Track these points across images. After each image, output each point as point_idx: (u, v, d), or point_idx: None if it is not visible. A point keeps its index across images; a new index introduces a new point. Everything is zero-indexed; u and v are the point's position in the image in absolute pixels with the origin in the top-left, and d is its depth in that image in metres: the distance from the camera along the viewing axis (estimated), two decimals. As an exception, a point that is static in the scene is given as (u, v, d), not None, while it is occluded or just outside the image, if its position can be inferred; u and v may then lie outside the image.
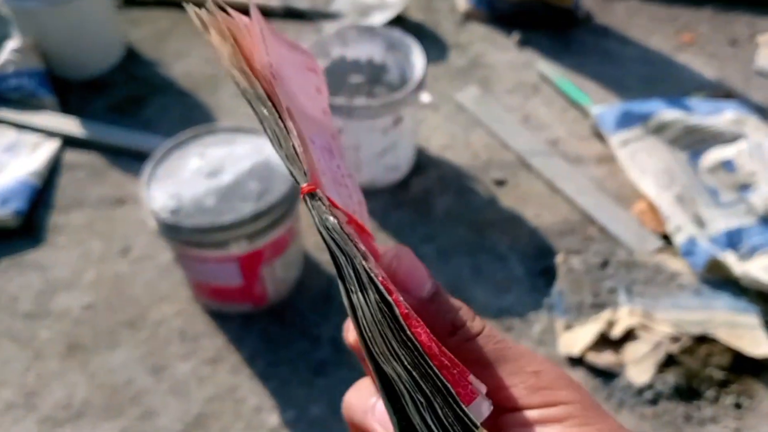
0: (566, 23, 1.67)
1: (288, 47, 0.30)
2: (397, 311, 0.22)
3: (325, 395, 1.01)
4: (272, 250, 1.03)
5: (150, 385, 1.03)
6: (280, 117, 0.25)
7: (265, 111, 0.26)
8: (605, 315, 1.07)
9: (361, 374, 0.30)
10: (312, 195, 0.25)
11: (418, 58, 1.21)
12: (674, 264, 1.15)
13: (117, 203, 1.30)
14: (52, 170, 1.36)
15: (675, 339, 1.03)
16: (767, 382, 1.02)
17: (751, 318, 1.06)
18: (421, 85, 1.18)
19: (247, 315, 1.11)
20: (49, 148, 1.39)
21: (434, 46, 1.63)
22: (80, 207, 1.30)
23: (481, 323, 0.27)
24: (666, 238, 1.19)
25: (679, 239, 1.16)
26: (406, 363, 0.22)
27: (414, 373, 0.22)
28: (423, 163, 1.36)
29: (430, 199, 1.30)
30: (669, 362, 1.03)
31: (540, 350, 1.07)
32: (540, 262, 1.19)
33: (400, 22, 1.67)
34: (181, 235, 0.95)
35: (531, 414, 0.24)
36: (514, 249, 1.21)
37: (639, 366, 1.02)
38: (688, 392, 1.01)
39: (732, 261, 1.11)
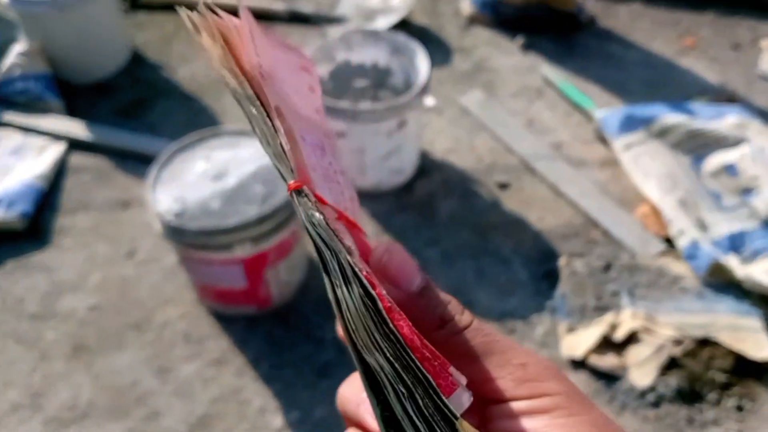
0: (570, 27, 1.68)
1: (281, 47, 0.30)
2: (380, 305, 0.23)
3: (329, 397, 1.02)
4: (276, 253, 1.04)
5: (155, 386, 1.04)
6: (268, 116, 0.26)
7: (253, 110, 0.26)
8: (608, 318, 1.08)
9: None
10: (299, 192, 0.25)
11: (422, 62, 1.21)
12: (677, 267, 1.15)
13: (122, 206, 1.31)
14: (58, 173, 1.37)
15: (677, 342, 1.04)
16: (770, 386, 1.02)
17: (753, 321, 1.06)
18: (425, 89, 1.18)
19: (252, 317, 1.12)
20: (55, 151, 1.40)
21: (438, 50, 1.63)
22: (86, 210, 1.31)
23: (470, 317, 0.27)
24: (669, 242, 1.20)
25: (681, 243, 1.16)
26: (388, 355, 0.22)
27: (396, 365, 0.22)
28: (427, 166, 1.37)
29: (434, 203, 1.30)
30: (671, 365, 1.03)
31: (543, 353, 1.07)
32: (543, 265, 1.19)
33: (404, 26, 1.67)
34: (186, 237, 0.96)
35: (518, 405, 0.25)
36: (517, 252, 1.21)
37: (641, 369, 1.03)
38: (690, 395, 1.01)
39: (734, 264, 1.11)
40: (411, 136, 1.24)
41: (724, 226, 1.18)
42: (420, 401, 0.22)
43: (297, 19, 1.73)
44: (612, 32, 1.69)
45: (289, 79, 0.30)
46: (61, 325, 1.13)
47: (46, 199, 1.32)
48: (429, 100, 1.21)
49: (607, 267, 1.16)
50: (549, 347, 1.08)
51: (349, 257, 0.24)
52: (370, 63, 1.32)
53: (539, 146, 1.40)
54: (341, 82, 1.33)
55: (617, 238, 1.21)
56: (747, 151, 1.26)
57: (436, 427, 0.22)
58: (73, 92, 1.54)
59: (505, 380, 0.25)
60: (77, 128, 1.44)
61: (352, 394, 0.28)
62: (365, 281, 0.23)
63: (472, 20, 1.72)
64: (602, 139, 1.41)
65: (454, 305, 0.27)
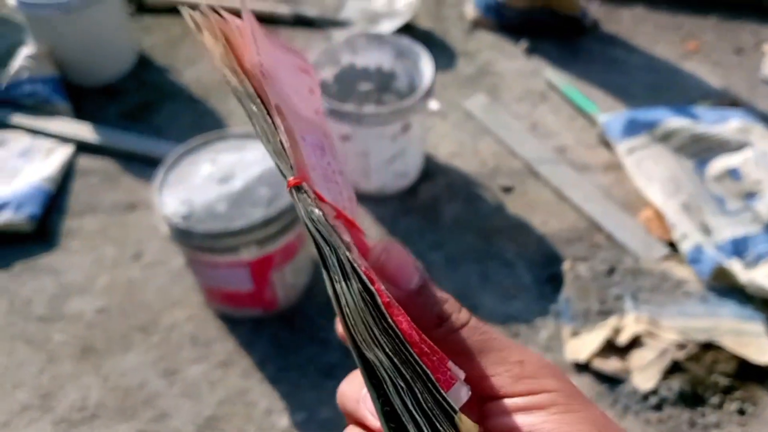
0: (573, 31, 1.69)
1: (281, 49, 0.31)
2: (379, 300, 0.23)
3: (335, 398, 1.02)
4: (282, 256, 1.05)
5: (162, 388, 1.05)
6: (268, 113, 0.26)
7: (254, 108, 0.27)
8: (612, 322, 1.08)
9: None
10: (298, 188, 0.25)
11: (426, 66, 1.22)
12: (680, 271, 1.16)
13: (129, 209, 1.32)
14: (66, 176, 1.39)
15: (681, 346, 1.04)
16: (772, 390, 1.02)
17: (756, 326, 1.06)
18: (429, 93, 1.19)
19: (258, 320, 1.13)
20: (62, 153, 1.41)
21: (443, 54, 1.64)
22: (93, 212, 1.32)
23: (467, 315, 0.27)
24: (672, 246, 1.20)
25: (685, 247, 1.17)
26: (387, 350, 0.23)
27: (395, 360, 0.22)
28: (431, 170, 1.38)
29: (438, 206, 1.31)
30: (674, 369, 1.04)
31: (547, 356, 1.08)
32: (547, 269, 1.20)
33: (408, 29, 1.68)
34: (193, 240, 0.97)
35: (515, 402, 0.25)
36: (521, 256, 1.22)
37: (644, 372, 1.03)
38: (692, 398, 1.02)
39: (738, 269, 1.12)
40: (415, 140, 1.25)
41: (727, 230, 1.19)
42: (419, 396, 0.22)
43: (302, 22, 1.74)
44: (615, 36, 1.70)
45: (289, 80, 0.30)
46: (69, 327, 1.14)
47: (54, 202, 1.33)
48: (433, 104, 1.22)
49: (611, 271, 1.17)
50: (553, 351, 1.08)
51: (348, 253, 0.24)
52: (374, 66, 1.33)
53: (543, 150, 1.41)
54: (346, 85, 1.34)
55: (621, 242, 1.22)
56: (750, 155, 1.27)
57: (435, 421, 0.22)
58: (80, 95, 1.56)
59: (502, 377, 0.25)
60: (84, 131, 1.45)
61: (352, 391, 0.29)
62: (364, 277, 0.23)
63: (476, 24, 1.73)
64: (606, 143, 1.41)
65: (451, 303, 0.27)
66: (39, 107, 1.48)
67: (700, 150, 1.32)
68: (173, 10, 1.81)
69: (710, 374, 1.03)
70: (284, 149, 0.26)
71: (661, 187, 1.26)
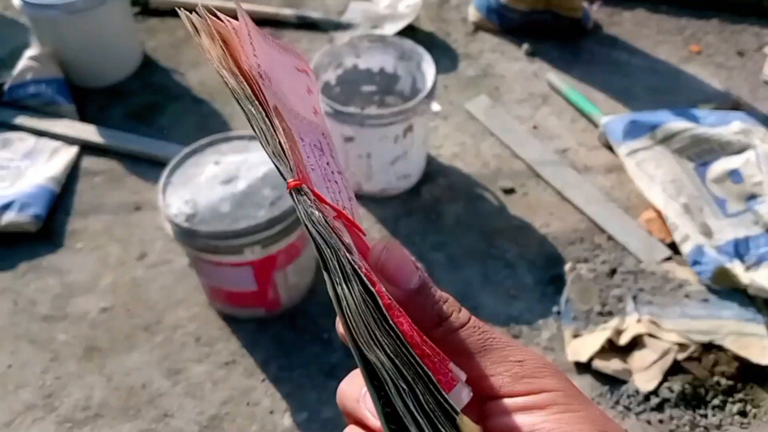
0: (575, 34, 1.69)
1: (279, 50, 0.31)
2: (380, 302, 0.23)
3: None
4: (285, 256, 1.05)
5: (166, 387, 1.06)
6: (266, 115, 0.27)
7: (252, 109, 0.27)
8: (613, 323, 1.08)
9: None
10: (298, 190, 0.26)
11: (429, 68, 1.23)
12: (682, 273, 1.16)
13: (134, 209, 1.33)
14: (71, 176, 1.39)
15: (682, 347, 1.05)
16: (773, 391, 1.03)
17: (758, 327, 1.07)
18: (431, 95, 1.20)
19: (261, 320, 1.13)
20: (67, 154, 1.42)
21: (445, 56, 1.65)
22: (98, 212, 1.32)
23: (467, 315, 0.27)
24: (673, 247, 1.21)
25: (686, 248, 1.17)
26: (388, 351, 0.23)
27: (396, 361, 0.23)
28: (433, 171, 1.38)
29: (440, 207, 1.32)
30: (676, 370, 1.04)
31: (548, 357, 1.08)
32: (549, 270, 1.20)
33: (411, 32, 1.69)
34: (197, 240, 0.98)
35: (515, 401, 0.25)
36: (523, 257, 1.23)
37: (646, 373, 1.03)
38: (694, 400, 1.02)
39: (739, 270, 1.12)
40: (417, 142, 1.26)
41: (728, 231, 1.19)
42: (421, 397, 0.22)
43: (305, 25, 1.75)
44: (617, 39, 1.71)
45: (287, 81, 0.30)
46: (73, 326, 1.14)
47: (59, 202, 1.34)
48: (435, 106, 1.22)
49: (612, 272, 1.17)
50: (555, 352, 1.09)
51: (348, 255, 0.24)
52: (377, 68, 1.34)
53: (545, 152, 1.41)
54: (349, 87, 1.35)
55: (622, 243, 1.23)
56: (752, 157, 1.27)
57: (437, 422, 0.22)
58: (84, 96, 1.56)
59: (502, 377, 0.25)
60: (89, 132, 1.46)
61: (352, 390, 0.28)
62: (365, 279, 0.24)
63: (479, 27, 1.73)
64: (607, 145, 1.42)
65: (451, 303, 0.27)
66: (43, 108, 1.49)
67: (702, 152, 1.32)
68: (177, 12, 1.81)
69: (711, 375, 1.03)
70: (283, 151, 0.26)
71: (663, 189, 1.26)
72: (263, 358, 1.09)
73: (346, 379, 0.29)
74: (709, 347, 1.05)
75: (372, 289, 0.23)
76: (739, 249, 1.17)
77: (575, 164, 1.39)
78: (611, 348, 1.06)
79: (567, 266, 1.19)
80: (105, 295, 1.19)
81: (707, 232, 1.19)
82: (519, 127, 1.47)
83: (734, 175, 1.26)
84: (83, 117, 1.51)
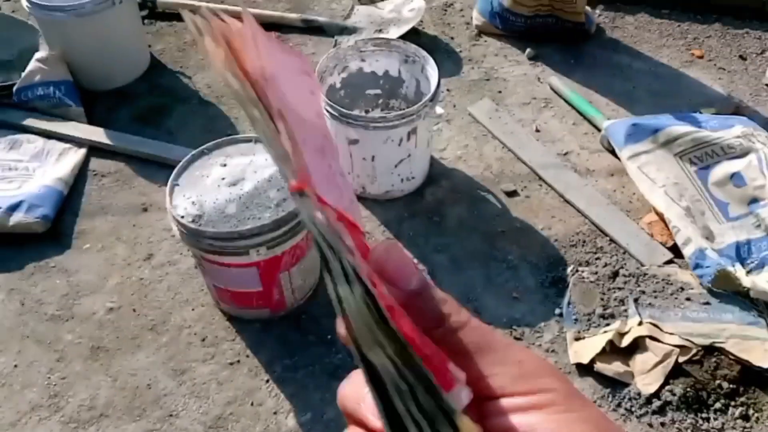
0: (578, 38, 1.70)
1: (282, 51, 0.31)
2: (381, 303, 0.23)
3: (340, 399, 1.04)
4: (290, 258, 1.06)
5: (171, 387, 1.07)
6: (270, 118, 0.27)
7: (256, 112, 0.27)
8: (615, 325, 1.09)
9: None
10: (301, 192, 0.26)
11: (432, 72, 1.24)
12: (683, 276, 1.17)
13: (141, 210, 1.34)
14: (78, 178, 1.41)
15: (684, 350, 1.05)
16: (774, 394, 1.03)
17: (760, 331, 1.07)
18: (435, 98, 1.21)
19: (266, 321, 1.14)
20: (75, 156, 1.43)
21: (449, 60, 1.66)
22: (105, 214, 1.34)
23: (466, 315, 0.27)
24: (675, 251, 1.21)
25: (688, 251, 1.18)
26: (389, 352, 0.23)
27: (397, 362, 0.23)
28: (436, 173, 1.39)
29: (443, 209, 1.32)
30: (677, 373, 1.04)
31: (550, 359, 1.09)
32: (551, 272, 1.21)
33: (415, 36, 1.70)
34: (203, 241, 0.99)
35: (514, 401, 0.25)
36: (525, 259, 1.23)
37: (647, 376, 1.04)
38: (695, 403, 1.02)
39: (741, 274, 1.12)
40: (421, 144, 1.27)
41: (730, 235, 1.20)
42: (421, 398, 0.23)
43: (311, 28, 1.76)
44: (619, 43, 1.71)
45: (291, 83, 0.31)
46: (80, 326, 1.16)
47: (66, 203, 1.35)
48: (438, 109, 1.23)
49: (614, 275, 1.18)
50: (557, 354, 1.09)
51: (350, 257, 0.24)
52: (381, 72, 1.35)
53: (547, 155, 1.42)
54: (353, 90, 1.36)
55: (624, 246, 1.23)
56: (754, 161, 1.28)
57: (437, 423, 0.22)
58: (92, 98, 1.58)
59: (501, 377, 0.26)
60: (97, 134, 1.47)
61: (353, 391, 0.29)
62: (366, 281, 0.24)
63: (482, 31, 1.74)
64: (609, 149, 1.42)
65: (450, 303, 0.27)
66: (51, 110, 1.50)
67: (704, 155, 1.32)
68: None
69: (713, 379, 1.04)
70: (287, 154, 0.26)
71: (664, 193, 1.26)
72: (268, 358, 1.10)
73: (346, 380, 0.29)
74: (710, 350, 1.05)
75: (373, 291, 0.24)
76: (741, 252, 1.17)
77: (577, 167, 1.40)
78: (613, 350, 1.07)
79: (569, 269, 1.19)
80: (111, 295, 1.20)
81: (709, 236, 1.20)
82: (521, 130, 1.48)
83: (736, 178, 1.27)
84: (91, 119, 1.52)
